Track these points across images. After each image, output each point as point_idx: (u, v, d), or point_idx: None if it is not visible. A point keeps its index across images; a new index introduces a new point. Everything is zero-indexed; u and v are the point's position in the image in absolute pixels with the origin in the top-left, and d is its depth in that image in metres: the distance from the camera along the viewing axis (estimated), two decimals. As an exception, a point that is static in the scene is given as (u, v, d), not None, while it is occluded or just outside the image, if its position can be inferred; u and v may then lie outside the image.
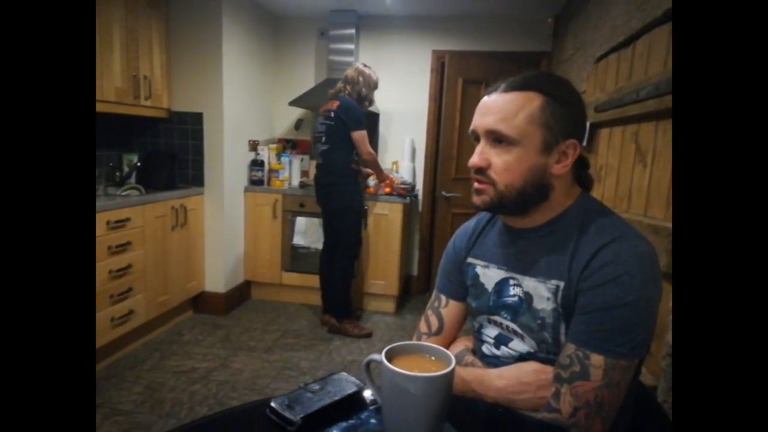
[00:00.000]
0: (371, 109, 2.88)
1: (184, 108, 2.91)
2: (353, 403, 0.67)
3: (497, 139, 0.73)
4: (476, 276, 0.85)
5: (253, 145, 3.31)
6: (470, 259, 0.87)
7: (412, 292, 3.68)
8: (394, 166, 3.50)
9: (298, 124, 3.66)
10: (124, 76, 2.44)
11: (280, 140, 3.66)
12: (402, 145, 3.49)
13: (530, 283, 0.76)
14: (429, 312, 0.91)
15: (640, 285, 0.67)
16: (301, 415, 0.61)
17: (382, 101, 3.44)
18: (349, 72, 2.72)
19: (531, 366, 0.74)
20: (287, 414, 0.62)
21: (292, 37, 3.58)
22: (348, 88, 2.68)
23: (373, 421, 0.64)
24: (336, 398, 0.66)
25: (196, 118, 2.91)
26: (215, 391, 2.16)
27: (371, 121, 3.28)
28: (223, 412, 0.72)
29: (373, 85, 2.75)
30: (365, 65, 2.75)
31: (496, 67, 3.20)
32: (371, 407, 0.67)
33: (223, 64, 2.84)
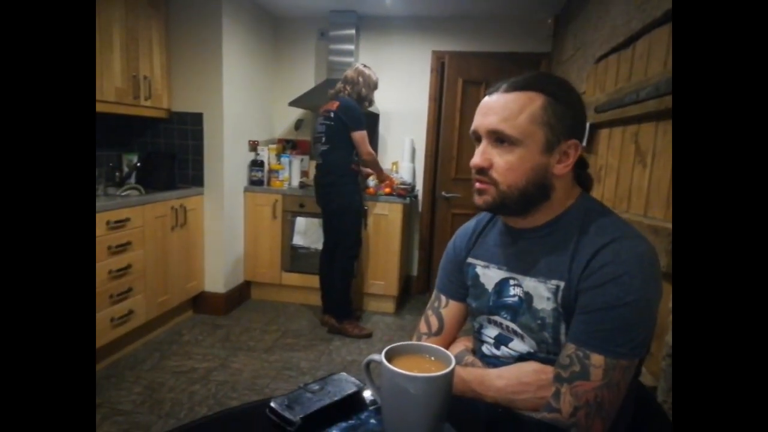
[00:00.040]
0: (371, 109, 2.88)
1: (184, 108, 2.91)
2: (353, 403, 0.67)
3: (499, 139, 0.73)
4: (476, 276, 0.85)
5: (253, 146, 3.31)
6: (470, 260, 0.87)
7: (412, 293, 3.68)
8: (394, 166, 3.50)
9: (298, 125, 3.66)
10: (124, 76, 2.44)
11: (280, 140, 3.66)
12: (402, 146, 3.49)
13: (530, 283, 0.76)
14: (429, 312, 0.91)
15: (640, 285, 0.67)
16: (301, 416, 0.61)
17: (382, 102, 3.44)
18: (349, 72, 2.72)
19: (531, 366, 0.74)
20: (287, 414, 0.62)
21: (292, 37, 3.58)
22: (348, 88, 2.68)
23: (372, 421, 0.64)
24: (336, 398, 0.66)
25: (196, 119, 2.91)
26: (215, 391, 2.16)
27: (371, 122, 3.29)
28: (222, 412, 0.72)
29: (373, 86, 2.75)
30: (365, 66, 2.75)
31: (496, 67, 3.20)
32: (371, 407, 0.67)
33: (223, 64, 2.84)
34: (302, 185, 3.36)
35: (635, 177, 1.47)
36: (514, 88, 0.73)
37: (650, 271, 0.68)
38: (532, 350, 0.77)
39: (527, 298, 0.77)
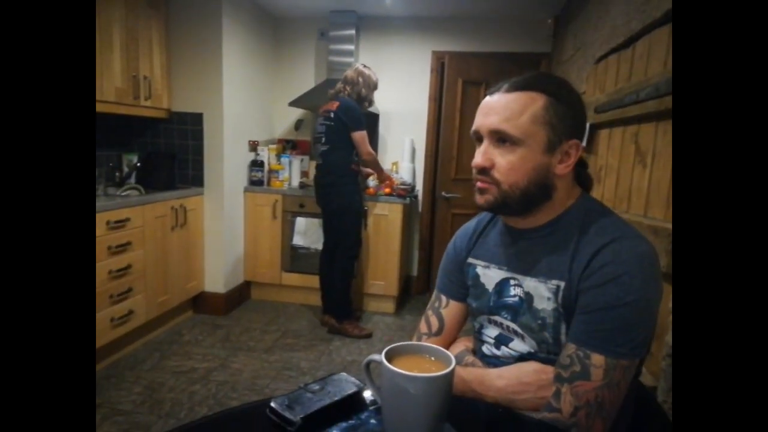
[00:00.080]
0: (371, 109, 2.88)
1: (184, 108, 2.91)
2: (353, 403, 0.67)
3: (501, 138, 0.73)
4: (477, 276, 0.85)
5: (253, 146, 3.31)
6: (471, 260, 0.87)
7: (412, 293, 3.68)
8: (394, 166, 3.50)
9: (298, 125, 3.66)
10: (124, 76, 2.44)
11: (280, 141, 3.66)
12: (402, 146, 3.49)
13: (531, 283, 0.76)
14: (429, 312, 0.91)
15: (640, 285, 0.67)
16: (301, 416, 0.61)
17: (382, 102, 3.44)
18: (349, 72, 2.72)
19: (531, 366, 0.74)
20: (287, 414, 0.62)
21: (292, 37, 3.58)
22: (348, 88, 2.68)
23: (373, 421, 0.64)
24: (336, 398, 0.66)
25: (196, 119, 2.91)
26: (215, 391, 2.16)
27: (371, 122, 3.29)
28: (222, 412, 0.72)
29: (373, 86, 2.75)
30: (365, 66, 2.75)
31: (496, 67, 3.20)
32: (371, 407, 0.67)
33: (223, 64, 2.84)
34: (302, 185, 3.36)
35: (635, 177, 1.47)
36: (515, 88, 0.73)
37: (650, 271, 0.68)
38: (532, 350, 0.77)
39: (528, 298, 0.77)
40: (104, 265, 2.18)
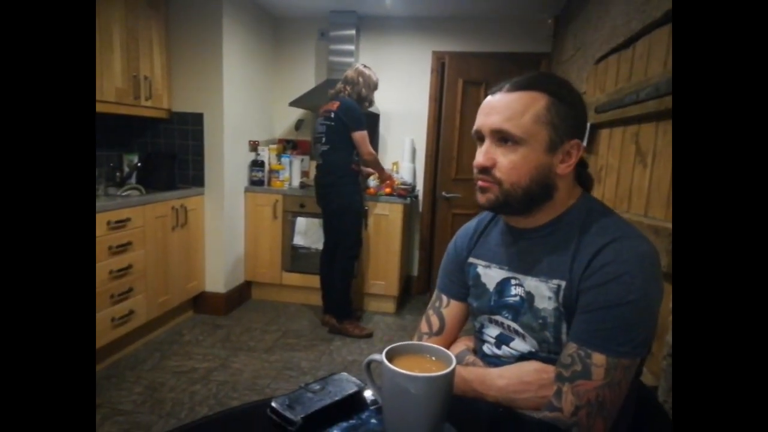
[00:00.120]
0: (371, 109, 2.88)
1: (184, 108, 2.91)
2: (354, 403, 0.67)
3: (503, 138, 0.73)
4: (477, 276, 0.85)
5: (254, 146, 3.31)
6: (472, 259, 0.87)
7: (413, 293, 3.68)
8: (395, 166, 3.50)
9: (299, 125, 3.66)
10: (124, 76, 2.44)
11: (280, 141, 3.66)
12: (402, 146, 3.49)
13: (532, 283, 0.76)
14: (430, 312, 0.91)
15: (641, 284, 0.67)
16: (302, 415, 0.61)
17: (382, 102, 3.44)
18: (349, 73, 2.72)
19: (532, 365, 0.74)
20: (288, 414, 0.62)
21: (292, 37, 3.58)
22: (348, 88, 2.68)
23: (373, 421, 0.64)
24: (336, 398, 0.66)
25: (197, 119, 2.91)
26: (215, 391, 2.16)
27: (371, 122, 3.28)
28: (223, 412, 0.72)
29: (373, 86, 2.75)
30: (365, 66, 2.75)
31: (496, 68, 3.20)
32: (372, 407, 0.67)
33: (223, 64, 2.84)
34: (303, 185, 3.36)
35: (635, 177, 1.47)
36: (517, 87, 0.73)
37: (651, 271, 0.68)
38: (533, 350, 0.77)
39: (528, 298, 0.77)
40: (105, 265, 2.18)
